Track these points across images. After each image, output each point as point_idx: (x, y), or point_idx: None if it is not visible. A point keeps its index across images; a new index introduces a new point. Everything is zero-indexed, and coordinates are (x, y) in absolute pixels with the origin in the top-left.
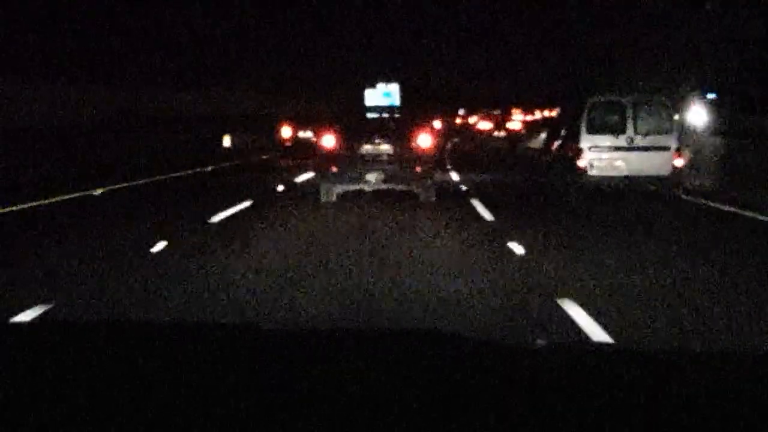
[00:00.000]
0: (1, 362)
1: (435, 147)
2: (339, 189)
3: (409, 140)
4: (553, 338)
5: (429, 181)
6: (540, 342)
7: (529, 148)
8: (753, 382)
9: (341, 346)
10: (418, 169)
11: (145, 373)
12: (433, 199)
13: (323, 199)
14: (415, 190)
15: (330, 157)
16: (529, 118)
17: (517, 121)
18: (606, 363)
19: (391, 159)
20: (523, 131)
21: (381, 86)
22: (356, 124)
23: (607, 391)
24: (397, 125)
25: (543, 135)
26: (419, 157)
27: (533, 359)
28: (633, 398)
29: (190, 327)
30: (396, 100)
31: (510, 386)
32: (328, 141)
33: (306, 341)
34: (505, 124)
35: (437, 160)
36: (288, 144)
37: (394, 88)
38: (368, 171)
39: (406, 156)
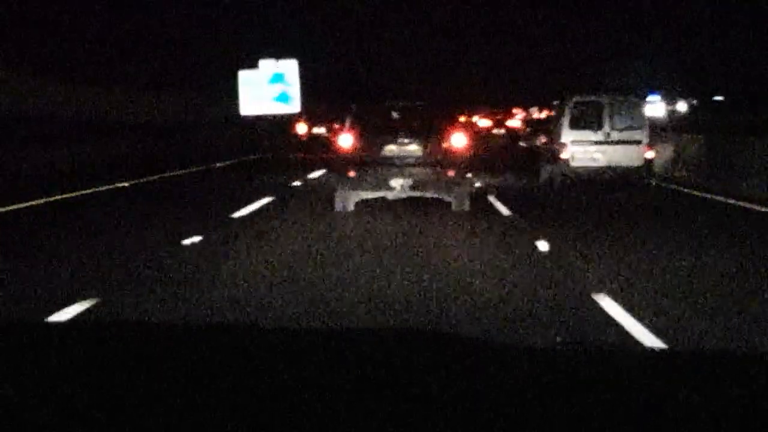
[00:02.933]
0: (2, 362)
1: (471, 147)
2: (357, 197)
3: (441, 139)
4: (556, 339)
5: (464, 188)
6: (544, 344)
7: (529, 144)
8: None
9: (342, 346)
10: (451, 173)
11: (145, 373)
12: (467, 208)
13: (338, 207)
14: (447, 199)
15: (347, 159)
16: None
17: (517, 119)
18: (610, 365)
19: (420, 162)
20: (523, 129)
21: (267, 65)
22: (379, 120)
23: (612, 393)
24: (426, 121)
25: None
26: (453, 159)
27: (537, 360)
28: (639, 401)
29: (190, 327)
30: (292, 89)
31: (513, 388)
32: (346, 140)
33: (306, 341)
34: (505, 123)
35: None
36: (303, 139)
37: (289, 68)
38: (392, 176)
39: (437, 158)
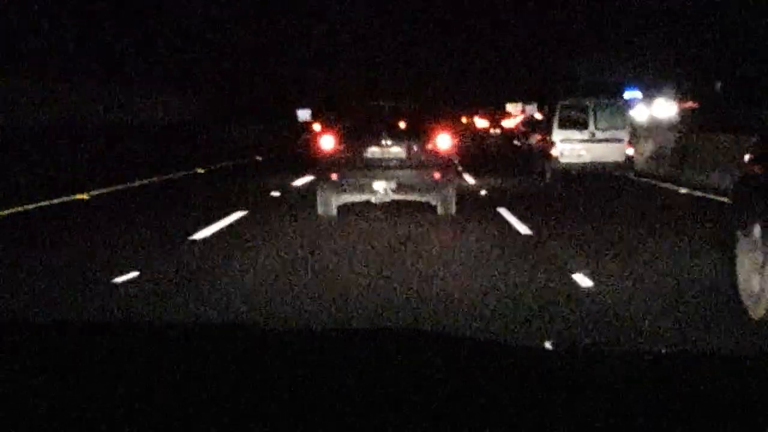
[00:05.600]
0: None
1: (457, 149)
2: (340, 200)
3: (426, 141)
4: (555, 340)
5: (449, 191)
6: (544, 344)
7: (523, 143)
8: (748, 383)
9: (341, 346)
10: (437, 175)
11: (144, 374)
12: (453, 212)
13: (321, 211)
14: (433, 202)
15: (329, 161)
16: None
17: (511, 120)
18: (609, 365)
19: (405, 164)
20: (518, 129)
21: None
22: (362, 121)
23: (609, 393)
24: (411, 122)
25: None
26: (439, 161)
27: (536, 360)
28: (636, 401)
29: (190, 327)
30: None
31: (511, 388)
32: (327, 142)
33: (306, 341)
34: (500, 123)
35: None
36: None
37: None
38: (376, 178)
39: (422, 160)
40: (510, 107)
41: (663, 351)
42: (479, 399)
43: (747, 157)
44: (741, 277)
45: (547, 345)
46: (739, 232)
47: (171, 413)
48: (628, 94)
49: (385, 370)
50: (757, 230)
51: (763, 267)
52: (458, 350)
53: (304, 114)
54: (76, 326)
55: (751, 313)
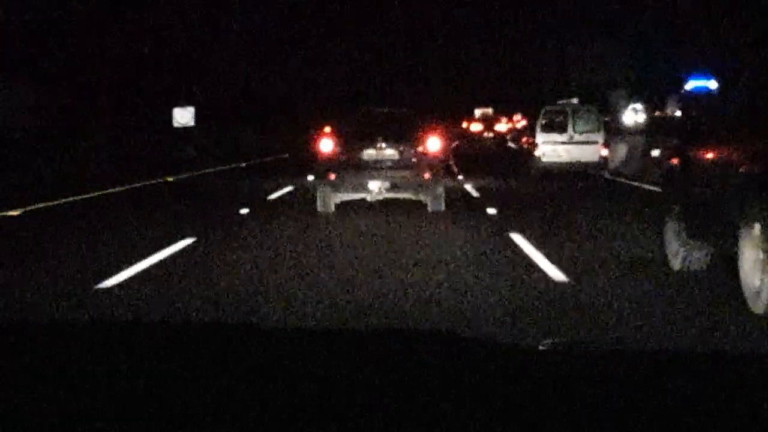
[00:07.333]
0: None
1: (445, 150)
2: (337, 198)
3: (416, 143)
4: (554, 340)
5: (439, 189)
6: (542, 344)
7: (517, 145)
8: (741, 384)
9: (341, 346)
10: (427, 175)
11: (143, 373)
12: (443, 209)
13: (320, 208)
14: (423, 200)
15: (327, 162)
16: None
17: (503, 124)
18: (608, 365)
19: (397, 165)
20: (509, 133)
21: None
22: (358, 125)
23: (608, 393)
24: (403, 126)
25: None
26: (428, 162)
27: (535, 360)
28: (635, 401)
29: (189, 327)
30: None
31: (511, 388)
32: (326, 145)
33: (306, 341)
34: (493, 127)
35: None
36: None
37: None
38: (371, 178)
39: (413, 161)
40: (477, 112)
41: (660, 352)
42: (477, 399)
43: (668, 155)
44: (666, 241)
45: (540, 345)
46: (666, 211)
47: (168, 413)
48: (690, 84)
49: (384, 370)
50: (676, 208)
51: (678, 234)
52: (456, 350)
53: (183, 115)
54: (75, 325)
55: (671, 264)
